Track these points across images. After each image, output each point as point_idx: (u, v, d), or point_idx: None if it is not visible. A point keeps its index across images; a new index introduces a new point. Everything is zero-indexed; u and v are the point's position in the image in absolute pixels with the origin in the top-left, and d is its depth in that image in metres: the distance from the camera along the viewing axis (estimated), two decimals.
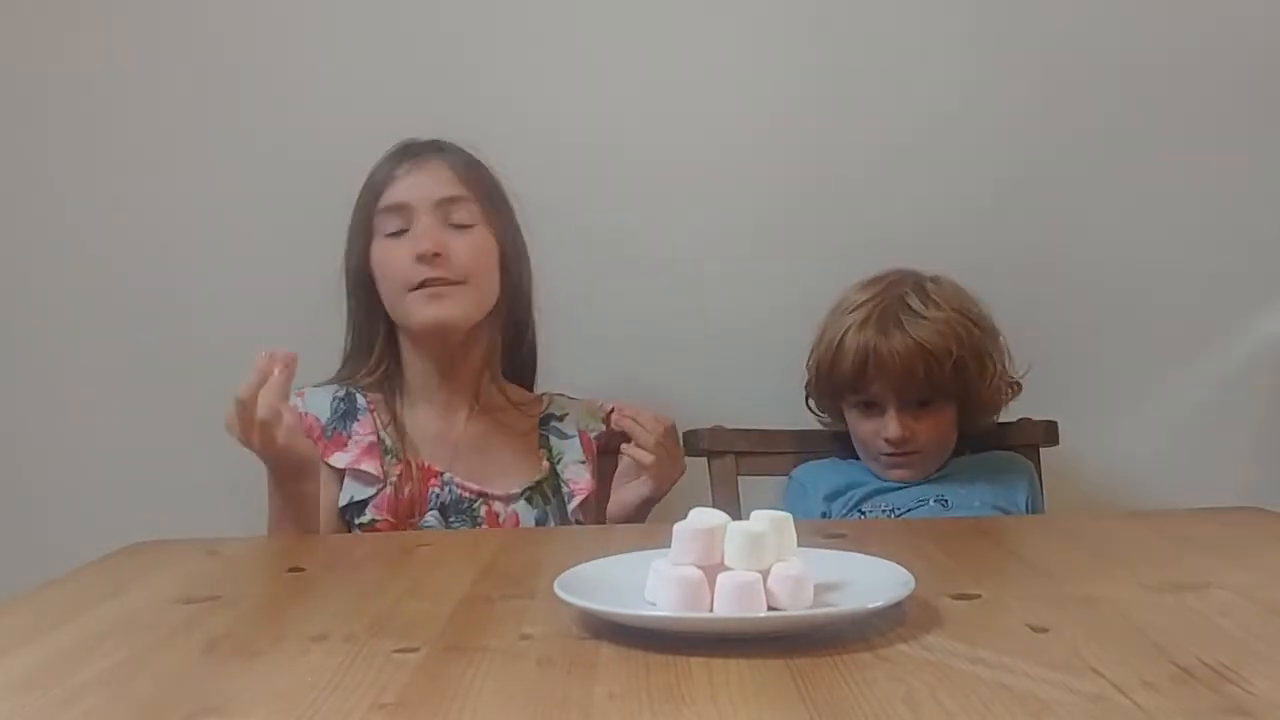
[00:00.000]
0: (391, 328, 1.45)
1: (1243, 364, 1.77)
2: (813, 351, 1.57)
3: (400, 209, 1.40)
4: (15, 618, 0.89)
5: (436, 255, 1.37)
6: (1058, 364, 1.72)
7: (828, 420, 1.63)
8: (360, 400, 1.44)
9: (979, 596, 0.86)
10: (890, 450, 1.50)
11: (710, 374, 1.75)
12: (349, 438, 1.41)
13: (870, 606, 0.76)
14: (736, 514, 0.81)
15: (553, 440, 1.50)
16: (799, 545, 0.82)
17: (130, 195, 1.76)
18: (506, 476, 1.44)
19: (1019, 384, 1.58)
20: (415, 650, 0.75)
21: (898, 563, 0.84)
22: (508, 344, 1.50)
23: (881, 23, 1.76)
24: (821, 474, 1.57)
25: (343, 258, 1.46)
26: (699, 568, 0.77)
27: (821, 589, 0.80)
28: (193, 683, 0.72)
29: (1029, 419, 1.65)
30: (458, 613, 0.86)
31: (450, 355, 1.44)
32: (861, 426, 1.53)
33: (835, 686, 0.66)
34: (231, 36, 1.76)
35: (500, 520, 1.41)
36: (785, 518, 0.81)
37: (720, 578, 0.76)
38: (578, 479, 1.47)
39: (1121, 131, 1.76)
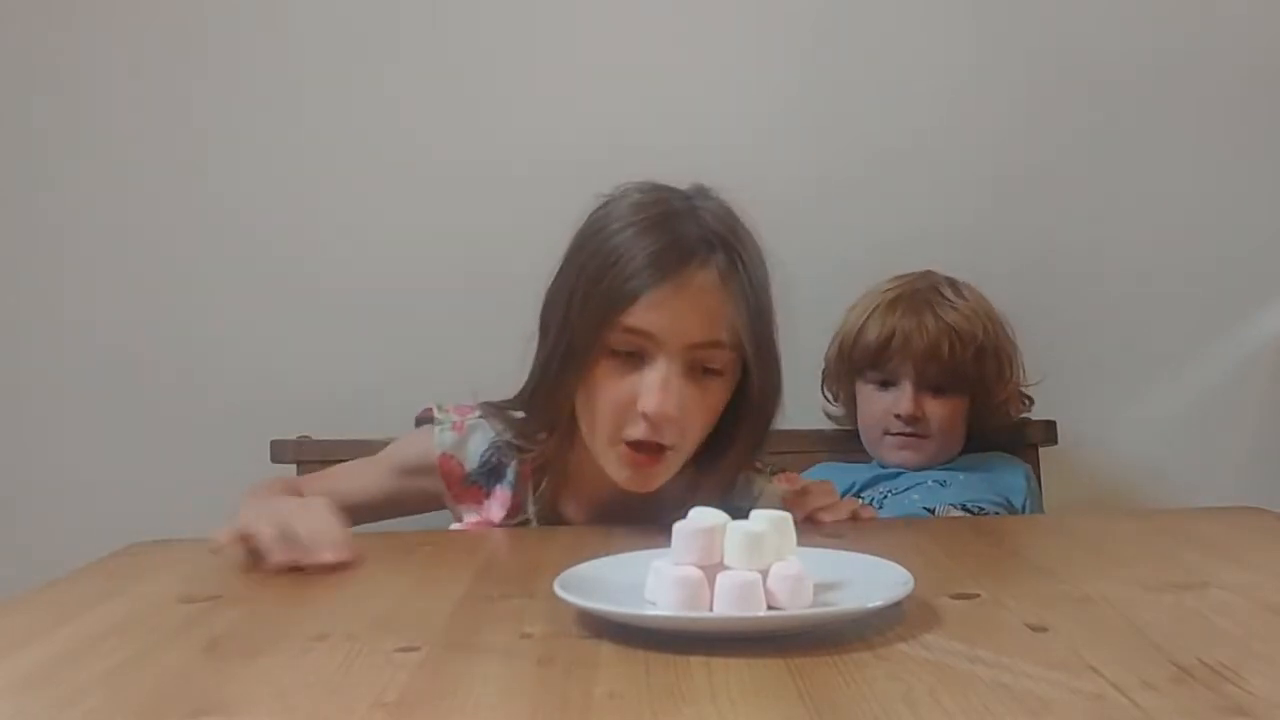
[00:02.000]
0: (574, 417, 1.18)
1: (1243, 364, 1.77)
2: (835, 337, 1.59)
3: (645, 337, 1.11)
4: (15, 618, 0.89)
5: (667, 419, 1.11)
6: (1056, 363, 1.73)
7: (836, 413, 1.63)
8: (511, 472, 1.25)
9: (978, 596, 0.86)
10: (900, 429, 1.50)
11: None
12: (487, 497, 1.25)
13: (869, 606, 0.76)
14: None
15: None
16: (798, 545, 0.82)
17: (131, 195, 1.77)
18: None
19: (1031, 398, 1.60)
20: (416, 649, 0.75)
21: (897, 562, 0.85)
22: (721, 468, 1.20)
23: (881, 26, 1.76)
24: (833, 475, 1.57)
25: (549, 312, 1.19)
26: (699, 567, 0.78)
27: (821, 588, 0.80)
28: (193, 682, 0.72)
29: (1028, 419, 1.65)
30: (458, 612, 0.86)
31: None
32: (874, 404, 1.54)
33: (834, 686, 0.66)
34: (253, 39, 1.76)
35: None
36: (785, 517, 0.81)
37: (720, 577, 0.77)
38: None
39: (1121, 132, 1.76)
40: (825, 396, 1.66)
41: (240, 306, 1.76)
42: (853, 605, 0.78)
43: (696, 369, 1.13)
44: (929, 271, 1.60)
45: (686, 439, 1.14)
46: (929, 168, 1.76)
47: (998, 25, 1.76)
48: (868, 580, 0.82)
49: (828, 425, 1.68)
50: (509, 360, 1.25)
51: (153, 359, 1.76)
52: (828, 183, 1.76)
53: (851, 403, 1.60)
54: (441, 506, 1.30)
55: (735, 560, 0.78)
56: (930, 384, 1.51)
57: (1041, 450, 1.66)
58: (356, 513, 1.28)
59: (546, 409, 1.19)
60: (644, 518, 1.14)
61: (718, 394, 1.15)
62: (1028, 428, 1.65)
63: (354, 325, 1.75)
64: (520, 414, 1.25)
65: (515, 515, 1.24)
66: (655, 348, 1.11)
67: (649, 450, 1.13)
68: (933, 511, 1.44)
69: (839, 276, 1.64)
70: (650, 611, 0.78)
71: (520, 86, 1.75)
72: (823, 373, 1.65)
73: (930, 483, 1.50)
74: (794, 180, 1.76)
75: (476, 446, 1.26)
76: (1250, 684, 0.64)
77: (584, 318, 1.13)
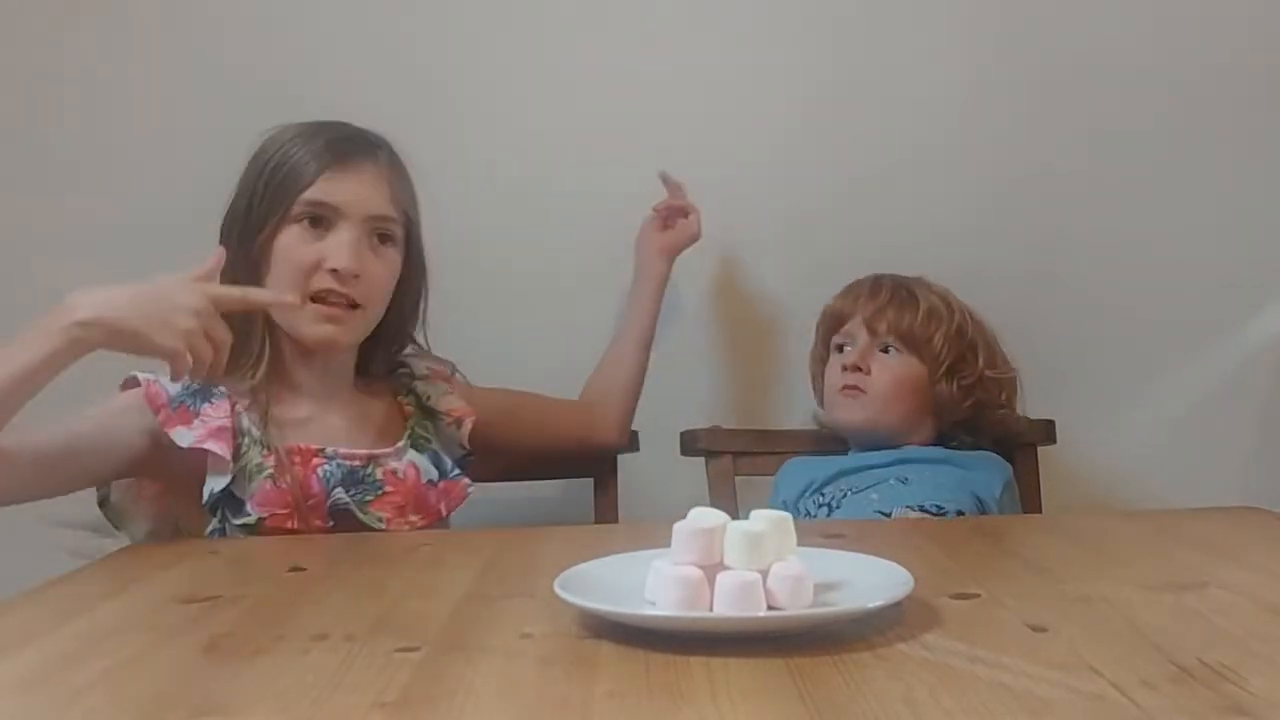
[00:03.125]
0: (271, 319, 1.34)
1: (1243, 364, 1.77)
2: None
3: (327, 208, 1.31)
4: (15, 618, 0.89)
5: (355, 277, 1.31)
6: (1056, 363, 1.73)
7: (824, 417, 1.64)
8: (218, 388, 1.31)
9: (978, 596, 0.86)
10: (844, 382, 1.53)
11: (708, 374, 1.76)
12: (196, 415, 1.28)
13: (870, 606, 0.76)
14: (734, 514, 0.81)
15: (418, 387, 1.46)
16: (799, 545, 0.82)
17: (131, 193, 1.76)
18: (386, 435, 1.40)
19: (1015, 413, 1.60)
20: (416, 649, 0.75)
21: (897, 562, 0.85)
22: (386, 337, 1.44)
23: (881, 34, 1.76)
24: (798, 471, 1.57)
25: (227, 227, 1.35)
26: (699, 567, 0.78)
27: (821, 589, 0.80)
28: (193, 682, 0.72)
29: (1026, 418, 1.65)
30: (458, 612, 0.86)
31: (328, 360, 1.39)
32: (832, 369, 1.57)
33: (835, 686, 0.66)
34: (225, 37, 1.76)
35: (399, 476, 1.35)
36: (785, 517, 0.81)
37: (720, 577, 0.77)
38: (454, 405, 1.45)
39: (1120, 132, 1.76)
40: (815, 395, 1.66)
41: None
42: (853, 605, 0.78)
43: (376, 238, 1.33)
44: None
45: (372, 299, 1.34)
46: (930, 171, 1.76)
47: (998, 32, 1.76)
48: (868, 580, 0.82)
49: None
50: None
51: (154, 358, 1.75)
52: (827, 185, 1.76)
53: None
54: (141, 467, 1.29)
55: (735, 560, 0.78)
56: (881, 342, 1.54)
57: (1041, 450, 1.65)
58: (57, 456, 1.23)
59: (246, 323, 1.31)
60: (340, 391, 1.39)
61: (391, 262, 1.36)
62: (1025, 426, 1.65)
63: None
64: None
65: (234, 426, 1.29)
66: (339, 218, 1.31)
67: (340, 304, 1.31)
68: (888, 515, 1.42)
69: (837, 277, 1.64)
70: (650, 611, 0.78)
71: (534, 90, 1.75)
72: (812, 375, 1.66)
73: (892, 480, 1.48)
74: (794, 184, 1.76)
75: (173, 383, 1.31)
76: (1250, 684, 0.64)
77: (265, 208, 1.31)
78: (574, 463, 1.63)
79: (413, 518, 1.35)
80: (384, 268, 1.35)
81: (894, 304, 1.55)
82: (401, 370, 1.48)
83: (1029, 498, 1.62)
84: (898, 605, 0.78)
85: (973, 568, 0.99)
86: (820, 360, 1.63)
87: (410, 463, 1.38)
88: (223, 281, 1.22)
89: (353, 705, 0.65)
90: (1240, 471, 1.76)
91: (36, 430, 1.22)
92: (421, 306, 1.45)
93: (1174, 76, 1.75)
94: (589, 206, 1.73)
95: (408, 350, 1.49)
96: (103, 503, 1.34)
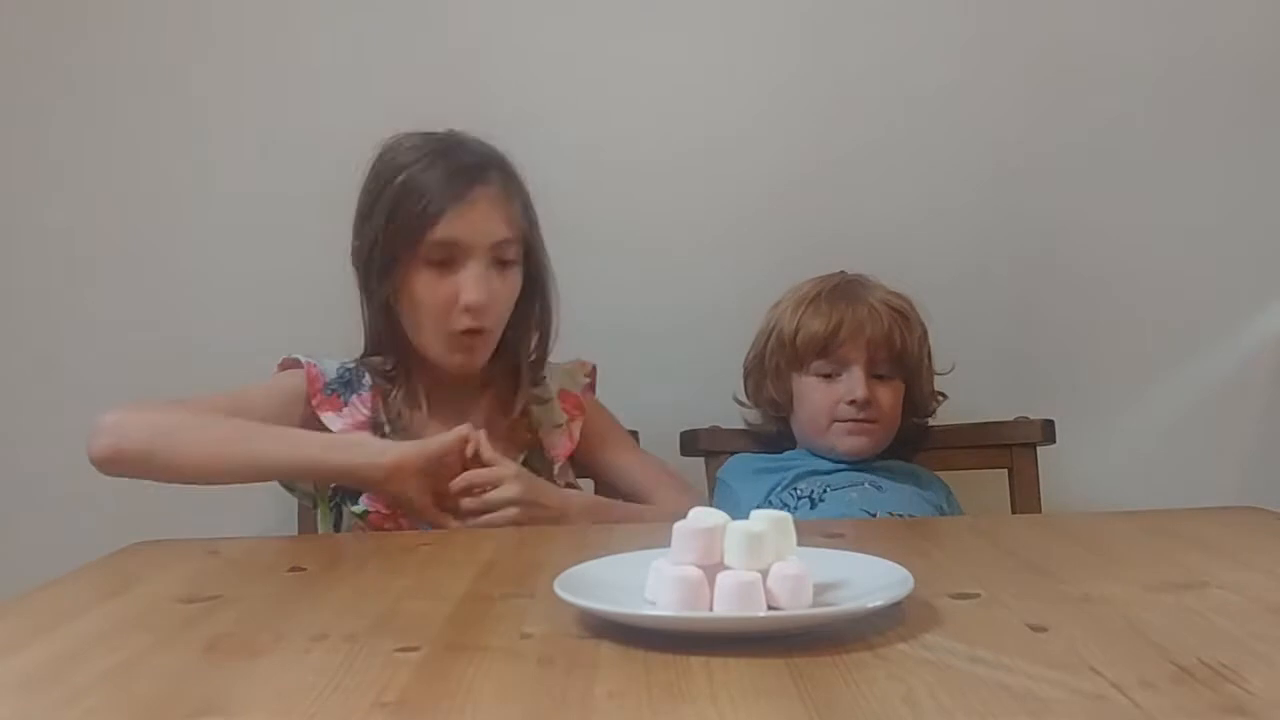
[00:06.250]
0: (409, 342, 1.42)
1: (1242, 364, 1.77)
2: (761, 335, 1.58)
3: (453, 245, 1.35)
4: (16, 617, 0.89)
5: (484, 308, 1.36)
6: (1055, 362, 1.73)
7: (753, 419, 1.62)
8: (367, 379, 1.43)
9: (978, 596, 0.86)
10: (853, 415, 1.49)
11: (708, 374, 1.75)
12: (345, 404, 1.40)
13: (870, 606, 0.76)
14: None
15: (534, 410, 1.48)
16: (799, 545, 0.82)
17: (132, 191, 1.77)
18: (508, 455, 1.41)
19: (944, 394, 1.59)
20: (416, 649, 0.75)
21: (897, 562, 0.85)
22: (508, 352, 1.46)
23: (872, 18, 1.76)
24: (750, 480, 1.53)
25: (360, 251, 1.40)
26: (699, 567, 0.78)
27: (821, 588, 0.80)
28: (193, 683, 0.72)
29: (1026, 418, 1.65)
30: (458, 612, 0.86)
31: (459, 381, 1.44)
32: (821, 395, 1.51)
33: (835, 686, 0.66)
34: (234, 30, 1.77)
35: None
36: (785, 517, 0.81)
37: (720, 577, 0.77)
38: (555, 444, 1.47)
39: (1119, 130, 1.76)
40: (742, 401, 1.61)
41: (243, 305, 1.76)
42: (853, 605, 0.78)
43: (497, 263, 1.37)
44: (843, 271, 1.58)
45: (496, 320, 1.40)
46: (927, 165, 1.76)
47: (993, 24, 1.76)
48: (868, 580, 0.83)
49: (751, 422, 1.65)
50: None
51: (153, 357, 1.76)
52: (828, 184, 1.76)
53: (787, 400, 1.56)
54: None
55: (735, 560, 0.78)
56: (878, 369, 1.50)
57: (1040, 450, 1.65)
58: None
59: (387, 333, 1.43)
60: (469, 405, 1.44)
61: (513, 281, 1.41)
62: (1025, 427, 1.65)
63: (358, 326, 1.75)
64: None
65: (374, 419, 1.41)
66: (465, 254, 1.35)
67: (473, 334, 1.37)
68: (874, 515, 1.41)
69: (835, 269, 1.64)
70: (650, 611, 0.78)
71: (504, 75, 1.75)
72: (745, 375, 1.60)
73: (866, 485, 1.47)
74: (794, 182, 1.76)
75: (332, 365, 1.44)
76: (1250, 684, 0.64)
77: (396, 245, 1.36)
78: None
79: None
80: (506, 289, 1.39)
81: (898, 330, 1.50)
82: (536, 388, 1.49)
83: (1029, 498, 1.62)
84: (898, 605, 0.78)
85: (973, 568, 0.99)
86: (782, 376, 1.54)
87: None
88: (364, 321, 1.42)
89: (353, 705, 0.65)
90: (1240, 471, 1.76)
91: (244, 403, 1.34)
92: (550, 313, 1.46)
93: (1174, 75, 1.75)
94: (582, 204, 1.73)
95: (557, 360, 1.51)
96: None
